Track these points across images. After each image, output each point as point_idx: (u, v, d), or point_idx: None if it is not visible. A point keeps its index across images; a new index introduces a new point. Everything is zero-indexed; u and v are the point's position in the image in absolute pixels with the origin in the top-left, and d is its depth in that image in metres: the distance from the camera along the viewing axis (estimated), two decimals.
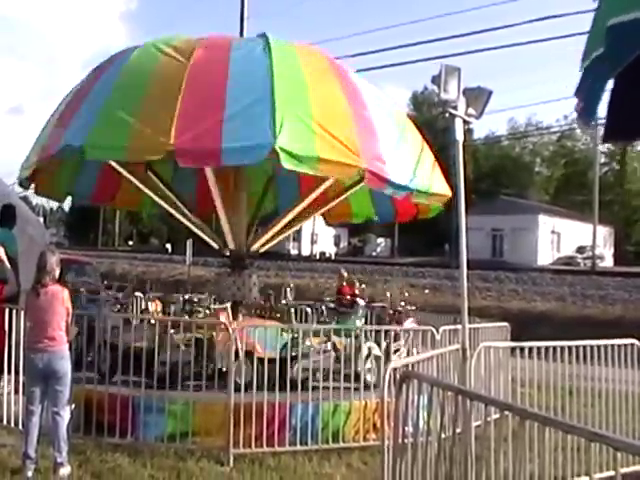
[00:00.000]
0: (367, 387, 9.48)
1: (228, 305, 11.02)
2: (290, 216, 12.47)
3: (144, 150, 9.27)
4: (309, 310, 13.93)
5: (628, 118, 3.80)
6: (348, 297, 14.32)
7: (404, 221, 14.56)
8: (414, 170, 10.22)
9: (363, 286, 18.18)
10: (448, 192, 10.92)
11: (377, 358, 10.11)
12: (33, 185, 11.50)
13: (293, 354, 9.57)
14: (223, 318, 10.29)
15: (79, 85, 10.95)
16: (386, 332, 10.42)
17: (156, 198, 12.30)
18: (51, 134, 10.23)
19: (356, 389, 9.49)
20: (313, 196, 11.83)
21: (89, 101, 9.93)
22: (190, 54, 9.88)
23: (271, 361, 9.09)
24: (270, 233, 12.61)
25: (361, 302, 13.12)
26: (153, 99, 9.45)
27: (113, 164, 11.00)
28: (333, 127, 9.40)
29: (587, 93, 3.40)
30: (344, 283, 15.97)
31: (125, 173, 11.51)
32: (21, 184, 11.48)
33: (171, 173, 12.91)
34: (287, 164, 8.95)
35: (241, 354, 9.05)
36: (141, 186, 11.92)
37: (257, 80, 9.61)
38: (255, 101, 9.31)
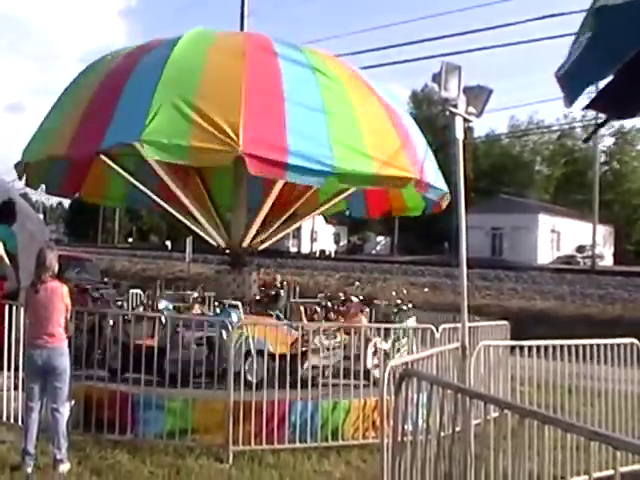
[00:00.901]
0: (375, 384, 9.45)
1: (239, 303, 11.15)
2: (288, 214, 12.61)
3: (211, 153, 9.29)
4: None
5: (619, 95, 3.79)
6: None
7: (376, 217, 14.76)
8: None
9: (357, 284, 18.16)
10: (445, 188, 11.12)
11: (385, 354, 10.12)
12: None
13: (303, 350, 9.68)
14: (234, 316, 10.37)
15: (103, 76, 10.76)
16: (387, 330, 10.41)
17: (154, 196, 12.32)
18: (83, 127, 10.05)
19: (356, 387, 9.49)
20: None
21: (130, 96, 9.76)
22: (242, 53, 9.94)
23: (281, 358, 9.25)
24: (269, 230, 12.65)
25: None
26: (212, 98, 9.47)
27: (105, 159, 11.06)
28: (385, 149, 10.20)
29: (575, 75, 3.38)
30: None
31: (118, 169, 11.60)
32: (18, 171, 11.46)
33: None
34: (349, 184, 10.41)
35: (253, 352, 9.34)
36: (137, 183, 11.97)
37: (311, 101, 9.93)
38: (313, 121, 9.70)
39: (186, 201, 11.93)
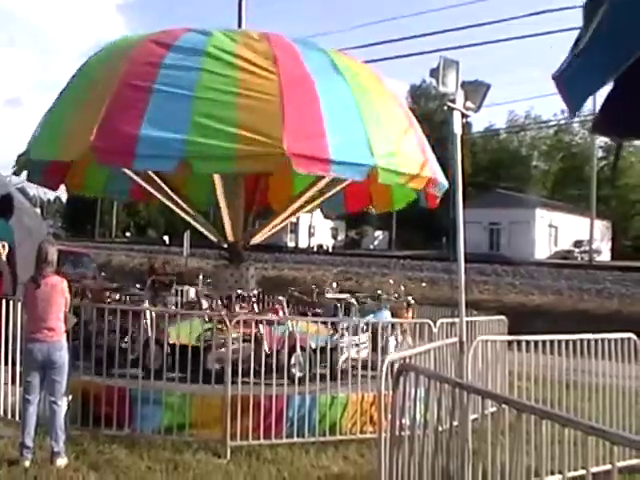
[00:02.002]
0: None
1: (284, 299, 11.26)
2: (289, 211, 12.61)
3: (258, 159, 9.31)
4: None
5: (621, 115, 3.78)
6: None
7: (354, 211, 14.71)
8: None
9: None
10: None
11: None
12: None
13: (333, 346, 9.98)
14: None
15: (120, 73, 10.51)
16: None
17: (155, 192, 12.31)
18: (106, 132, 9.90)
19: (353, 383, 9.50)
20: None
21: (159, 105, 9.44)
22: (274, 61, 10.00)
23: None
24: (269, 227, 12.67)
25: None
26: (251, 107, 9.43)
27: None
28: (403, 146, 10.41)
29: (576, 83, 3.37)
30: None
31: (130, 173, 11.59)
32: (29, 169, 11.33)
33: None
34: (385, 180, 10.10)
35: (298, 347, 9.67)
36: (141, 182, 11.98)
37: (345, 106, 10.06)
38: (350, 124, 9.84)
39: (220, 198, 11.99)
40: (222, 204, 12.10)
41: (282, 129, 9.17)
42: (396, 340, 10.71)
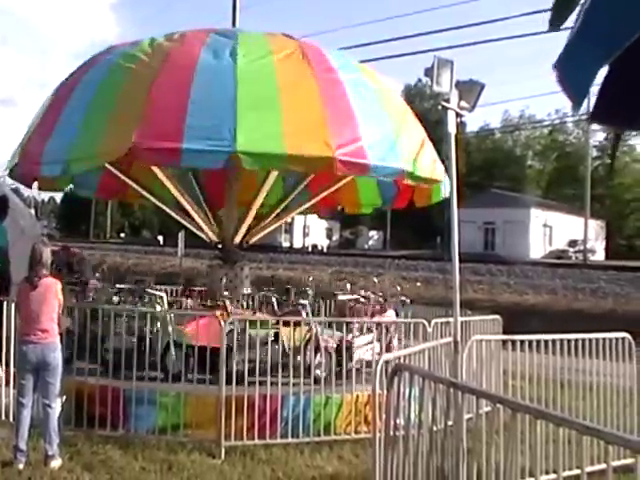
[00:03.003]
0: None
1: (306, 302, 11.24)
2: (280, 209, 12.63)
3: (307, 160, 9.52)
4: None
5: (620, 105, 3.75)
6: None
7: (402, 207, 14.62)
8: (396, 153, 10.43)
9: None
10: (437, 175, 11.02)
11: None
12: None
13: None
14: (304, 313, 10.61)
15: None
16: (347, 324, 10.35)
17: (145, 193, 12.31)
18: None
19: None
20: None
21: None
22: (308, 62, 10.40)
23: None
24: (261, 225, 12.65)
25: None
26: (294, 107, 9.72)
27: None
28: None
29: (575, 75, 3.35)
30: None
31: (114, 170, 11.55)
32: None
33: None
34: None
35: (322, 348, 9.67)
36: (133, 184, 11.98)
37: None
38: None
39: (180, 197, 11.94)
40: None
41: (326, 132, 9.45)
42: (398, 340, 10.71)
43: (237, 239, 12.33)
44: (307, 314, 10.63)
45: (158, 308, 10.67)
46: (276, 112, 9.55)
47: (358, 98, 10.28)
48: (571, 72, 3.30)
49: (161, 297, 11.15)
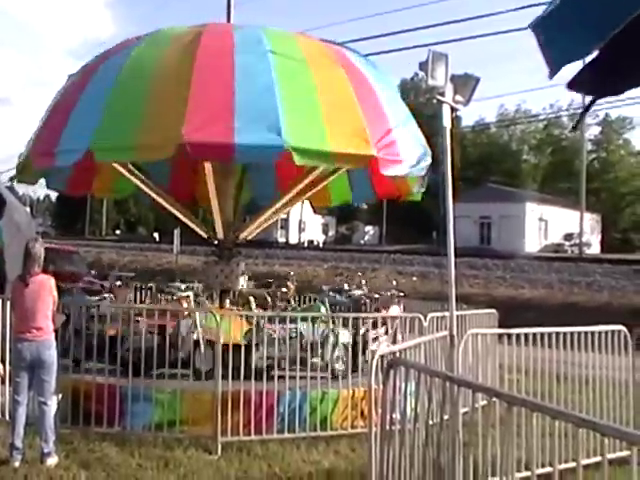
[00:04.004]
0: (335, 377, 9.56)
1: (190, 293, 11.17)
2: (278, 204, 12.56)
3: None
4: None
5: (599, 71, 3.74)
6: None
7: (384, 198, 14.70)
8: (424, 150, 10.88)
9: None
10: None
11: (346, 346, 10.16)
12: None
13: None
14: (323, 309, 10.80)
15: (62, 88, 10.72)
16: (361, 319, 10.39)
17: (144, 187, 12.27)
18: (41, 137, 9.97)
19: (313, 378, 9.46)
20: (302, 184, 12.01)
21: (84, 105, 9.79)
22: (337, 60, 10.74)
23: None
24: (257, 222, 12.63)
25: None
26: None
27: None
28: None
29: (560, 48, 3.33)
30: None
31: (115, 165, 11.50)
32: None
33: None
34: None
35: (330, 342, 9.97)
36: (131, 177, 11.94)
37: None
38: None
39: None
40: (212, 200, 12.04)
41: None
42: (401, 335, 10.76)
43: (232, 234, 12.30)
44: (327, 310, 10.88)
45: (185, 306, 10.77)
46: (317, 110, 9.70)
47: (386, 97, 10.64)
48: (557, 43, 3.29)
49: (187, 295, 11.23)
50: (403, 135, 10.34)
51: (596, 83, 3.86)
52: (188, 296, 11.22)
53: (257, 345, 9.38)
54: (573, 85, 3.83)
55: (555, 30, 3.30)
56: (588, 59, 3.61)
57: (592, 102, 4.42)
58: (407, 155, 10.16)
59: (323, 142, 9.43)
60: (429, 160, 10.67)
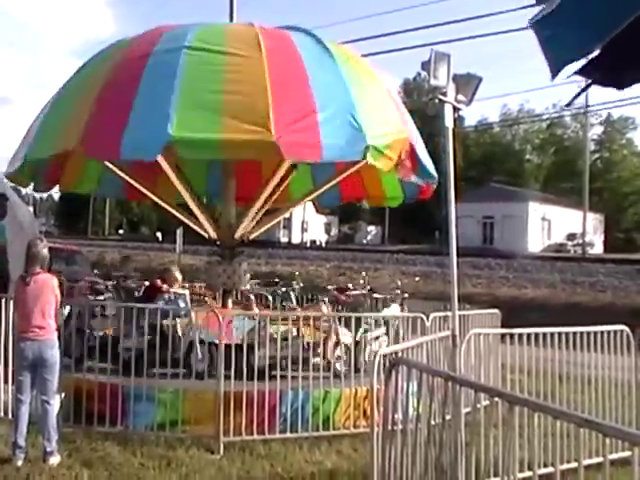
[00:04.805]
0: (337, 376, 9.53)
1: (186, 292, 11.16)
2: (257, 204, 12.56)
3: (243, 146, 9.08)
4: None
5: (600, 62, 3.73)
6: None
7: (348, 201, 14.56)
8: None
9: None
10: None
11: (348, 346, 10.19)
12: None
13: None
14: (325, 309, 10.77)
15: (110, 71, 10.48)
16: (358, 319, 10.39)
17: (145, 191, 12.29)
18: (94, 125, 9.80)
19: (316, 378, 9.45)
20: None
21: (147, 95, 9.35)
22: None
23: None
24: (255, 218, 12.61)
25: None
26: (238, 95, 9.26)
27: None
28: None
29: (558, 42, 3.33)
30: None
31: (108, 164, 11.44)
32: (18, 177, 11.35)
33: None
34: (372, 160, 9.47)
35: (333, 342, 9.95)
36: (130, 179, 11.95)
37: (337, 89, 9.76)
38: (341, 107, 9.51)
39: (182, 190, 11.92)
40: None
41: (270, 113, 8.95)
42: (403, 334, 10.76)
43: (237, 235, 12.28)
44: (328, 310, 10.89)
45: (182, 305, 10.75)
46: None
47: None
48: (558, 43, 3.29)
49: (183, 294, 11.21)
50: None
51: (602, 73, 3.86)
52: (184, 294, 11.18)
53: (258, 345, 9.36)
54: (581, 71, 3.83)
55: (556, 29, 3.30)
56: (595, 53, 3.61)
57: (589, 85, 4.40)
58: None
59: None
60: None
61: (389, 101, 10.73)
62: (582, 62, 3.72)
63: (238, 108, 9.06)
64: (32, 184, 12.45)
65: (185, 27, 10.55)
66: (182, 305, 10.74)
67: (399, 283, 15.02)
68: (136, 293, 12.36)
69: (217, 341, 8.80)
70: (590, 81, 4.19)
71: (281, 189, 12.40)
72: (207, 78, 9.43)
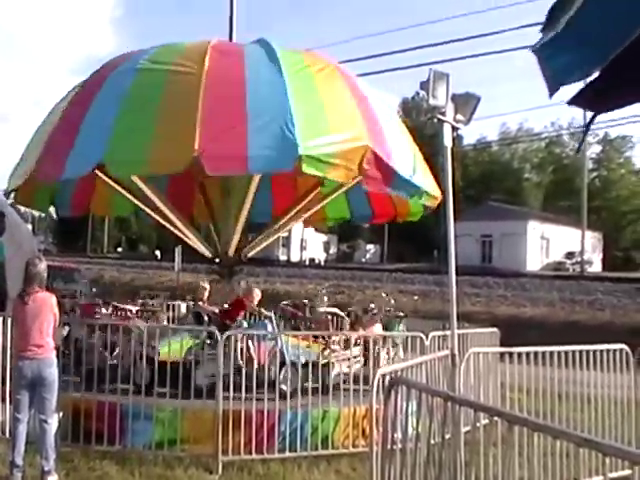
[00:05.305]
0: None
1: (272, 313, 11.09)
2: (277, 225, 12.62)
3: (167, 162, 9.26)
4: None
5: (600, 89, 3.75)
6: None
7: (381, 222, 14.39)
8: (414, 168, 10.60)
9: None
10: (437, 192, 11.05)
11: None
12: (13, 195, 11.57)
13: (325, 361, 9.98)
14: (270, 327, 10.67)
15: (65, 103, 10.79)
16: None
17: (146, 209, 12.32)
18: (48, 151, 10.05)
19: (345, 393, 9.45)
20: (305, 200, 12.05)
21: (93, 118, 9.74)
22: (202, 61, 9.88)
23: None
24: (257, 240, 12.68)
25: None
26: (170, 112, 9.43)
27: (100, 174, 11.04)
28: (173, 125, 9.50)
29: (557, 64, 3.35)
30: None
31: (112, 183, 11.50)
32: (7, 195, 11.55)
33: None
34: (309, 170, 9.23)
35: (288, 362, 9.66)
36: (129, 196, 11.96)
37: (275, 98, 9.60)
38: (274, 118, 9.34)
39: (171, 215, 12.02)
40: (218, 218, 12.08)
41: (195, 130, 9.05)
42: (387, 354, 10.66)
43: (231, 252, 12.30)
44: (273, 328, 10.67)
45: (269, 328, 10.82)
46: (149, 119, 9.52)
47: (258, 80, 9.87)
48: (557, 63, 3.31)
49: (270, 316, 11.19)
50: (265, 130, 9.27)
51: (597, 99, 3.88)
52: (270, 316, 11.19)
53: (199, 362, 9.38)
54: (575, 101, 3.85)
55: (556, 49, 3.32)
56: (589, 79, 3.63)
57: (592, 119, 4.43)
58: (263, 151, 9.15)
59: (139, 153, 9.24)
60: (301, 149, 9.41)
61: (351, 110, 10.17)
62: (574, 91, 3.76)
63: (168, 124, 9.32)
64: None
65: (148, 49, 10.81)
66: (269, 329, 10.75)
67: (392, 301, 14.94)
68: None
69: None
70: (592, 115, 4.22)
71: (314, 209, 12.51)
72: (146, 96, 9.74)
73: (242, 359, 9.53)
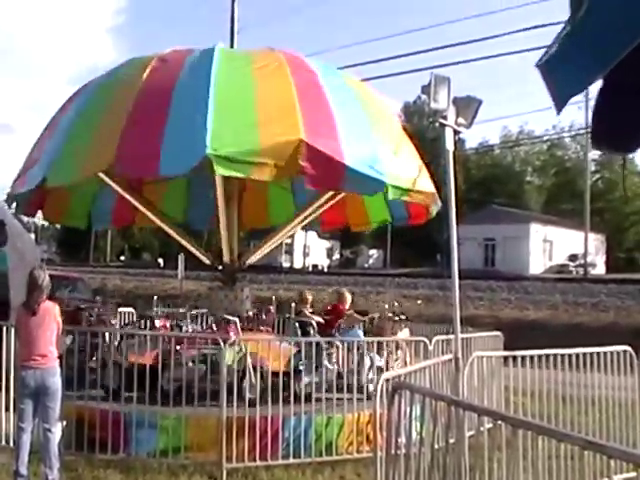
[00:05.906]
0: (369, 397, 9.44)
1: (237, 319, 10.93)
2: (288, 228, 12.65)
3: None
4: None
5: (614, 126, 3.74)
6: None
7: (417, 223, 14.21)
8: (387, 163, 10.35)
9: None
10: (428, 189, 10.95)
11: (379, 369, 10.11)
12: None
13: (301, 368, 9.82)
14: (361, 334, 10.75)
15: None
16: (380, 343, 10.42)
17: (151, 215, 12.35)
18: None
19: (349, 400, 9.42)
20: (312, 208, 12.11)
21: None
22: (143, 70, 10.35)
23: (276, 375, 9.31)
24: (265, 246, 12.72)
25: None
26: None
27: (111, 184, 11.24)
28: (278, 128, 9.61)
29: (563, 80, 3.35)
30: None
31: (121, 191, 11.59)
32: (10, 203, 11.63)
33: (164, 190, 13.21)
34: (223, 171, 9.33)
35: (250, 369, 9.46)
36: (136, 203, 12.03)
37: (196, 97, 9.72)
38: (194, 112, 9.50)
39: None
40: (221, 224, 12.08)
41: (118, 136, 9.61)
42: (371, 360, 10.36)
43: (236, 260, 12.31)
44: (236, 333, 10.49)
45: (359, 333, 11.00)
46: (250, 114, 9.62)
47: (338, 102, 10.23)
48: (560, 76, 3.30)
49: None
50: (177, 133, 9.42)
51: (616, 139, 3.86)
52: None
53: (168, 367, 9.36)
54: (595, 144, 3.85)
55: (558, 64, 3.32)
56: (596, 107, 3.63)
57: (624, 161, 4.39)
58: (174, 150, 9.28)
59: (251, 156, 9.31)
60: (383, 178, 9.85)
61: (288, 105, 9.93)
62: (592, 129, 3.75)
63: (102, 132, 10.06)
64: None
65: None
66: (360, 335, 10.83)
67: (395, 304, 14.92)
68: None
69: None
70: (622, 154, 4.22)
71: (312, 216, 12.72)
72: (96, 109, 10.72)
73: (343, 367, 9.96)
